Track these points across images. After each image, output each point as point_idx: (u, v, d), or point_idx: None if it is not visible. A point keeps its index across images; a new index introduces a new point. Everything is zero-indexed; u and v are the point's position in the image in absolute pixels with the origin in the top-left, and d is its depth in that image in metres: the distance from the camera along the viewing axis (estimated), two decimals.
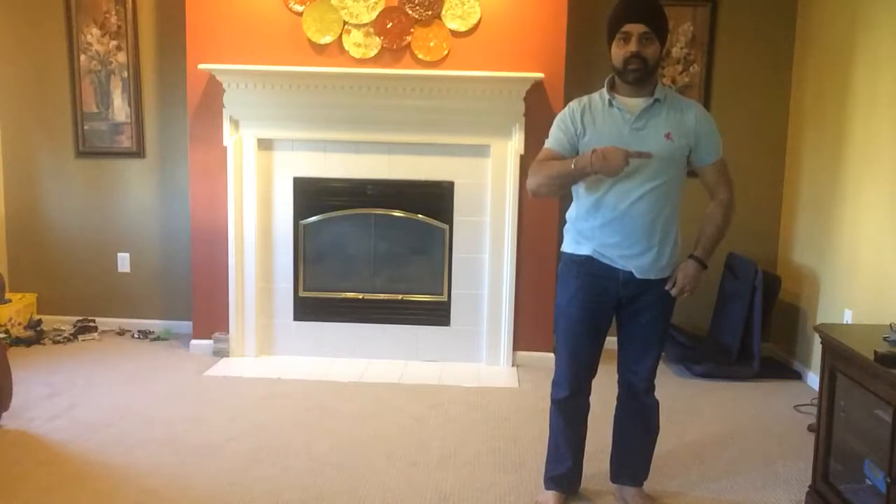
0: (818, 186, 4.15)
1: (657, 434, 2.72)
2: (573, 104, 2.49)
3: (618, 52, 2.38)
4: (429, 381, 4.05)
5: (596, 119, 2.43)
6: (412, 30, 4.12)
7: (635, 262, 2.45)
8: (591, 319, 2.53)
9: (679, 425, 3.53)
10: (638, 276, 2.46)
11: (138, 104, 4.66)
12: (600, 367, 2.67)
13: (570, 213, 2.59)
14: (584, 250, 2.50)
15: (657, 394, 2.69)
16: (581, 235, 2.52)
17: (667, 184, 2.44)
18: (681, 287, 2.48)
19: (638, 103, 2.40)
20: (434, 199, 4.32)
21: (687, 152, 2.46)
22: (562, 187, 2.47)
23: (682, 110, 2.43)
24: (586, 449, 2.75)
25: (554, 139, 2.49)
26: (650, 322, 2.54)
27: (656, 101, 2.40)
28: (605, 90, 2.45)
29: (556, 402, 2.65)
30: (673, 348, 4.37)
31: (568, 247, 2.58)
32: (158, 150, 4.71)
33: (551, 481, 2.73)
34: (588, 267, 2.49)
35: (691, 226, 2.72)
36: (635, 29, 2.33)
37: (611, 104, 2.42)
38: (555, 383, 2.64)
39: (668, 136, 2.39)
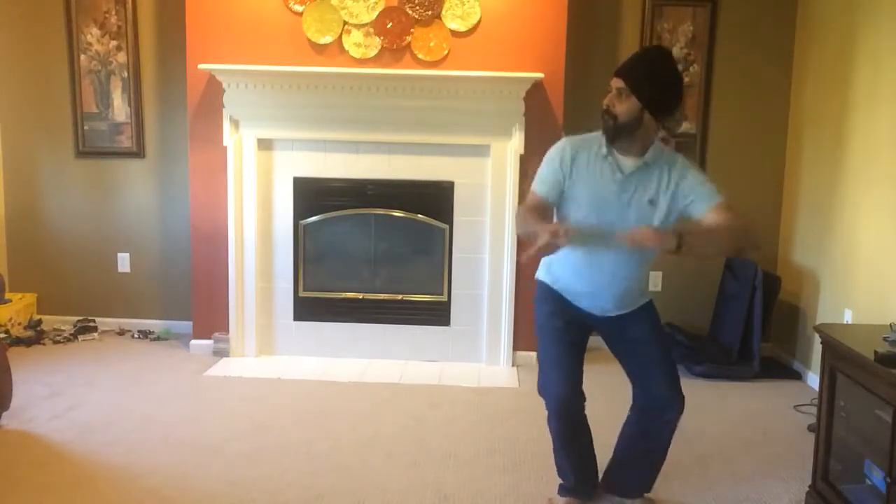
0: (818, 186, 4.15)
1: (663, 458, 2.64)
2: (567, 143, 2.41)
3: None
4: (429, 381, 4.05)
5: (589, 165, 2.36)
6: (412, 30, 4.12)
7: (602, 311, 2.48)
8: (572, 332, 2.51)
9: (679, 425, 3.52)
10: (605, 315, 2.49)
11: (138, 104, 4.66)
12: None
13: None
14: (556, 286, 2.52)
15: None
16: (552, 273, 2.53)
17: (646, 249, 2.33)
18: (631, 235, 2.21)
19: (629, 163, 2.34)
20: (434, 199, 4.32)
21: (671, 215, 2.35)
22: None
23: (669, 170, 2.33)
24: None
25: (540, 181, 2.41)
26: (641, 338, 2.50)
27: (645, 163, 2.33)
28: (604, 138, 2.37)
29: (552, 415, 2.53)
30: (673, 348, 4.37)
31: (541, 274, 2.57)
32: (158, 150, 4.71)
33: (563, 489, 2.71)
34: (562, 297, 2.51)
35: None
36: (614, 83, 2.30)
37: (607, 156, 2.35)
38: (547, 395, 2.50)
39: (651, 202, 2.33)
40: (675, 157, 2.39)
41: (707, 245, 2.30)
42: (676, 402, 2.48)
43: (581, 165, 2.37)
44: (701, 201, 2.30)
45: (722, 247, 2.36)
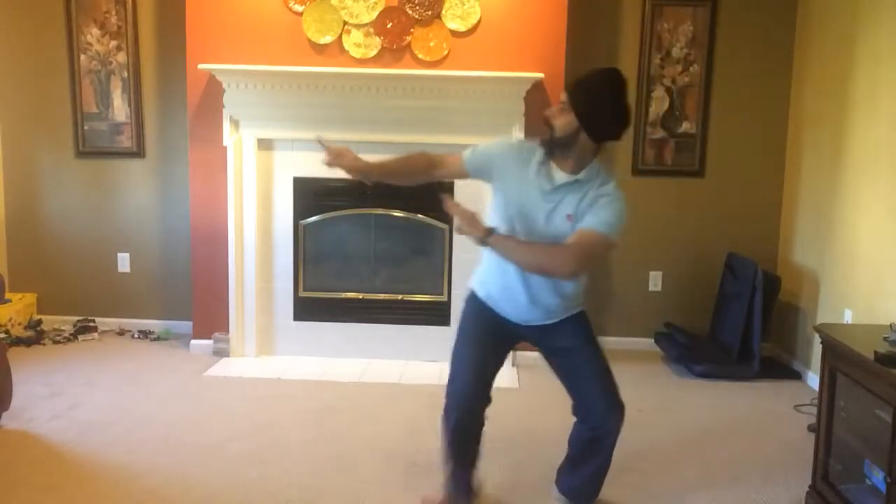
0: (818, 186, 4.15)
1: (606, 466, 2.59)
2: (517, 141, 2.42)
3: None
4: (429, 381, 4.04)
5: (527, 168, 2.34)
6: (412, 30, 4.12)
7: (528, 321, 2.45)
8: (492, 335, 2.48)
9: (679, 425, 3.53)
10: (529, 324, 2.46)
11: (138, 104, 4.66)
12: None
13: (483, 256, 2.51)
14: (486, 300, 2.49)
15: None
16: (483, 286, 2.51)
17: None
18: (454, 207, 2.29)
19: (561, 177, 2.32)
20: (434, 199, 4.29)
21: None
22: (410, 182, 2.56)
23: (595, 192, 2.30)
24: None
25: (473, 152, 2.42)
26: (572, 348, 2.47)
27: (577, 180, 2.30)
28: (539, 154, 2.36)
29: (450, 410, 2.47)
30: (673, 348, 4.37)
31: (473, 284, 2.55)
32: (158, 150, 4.71)
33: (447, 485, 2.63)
34: (491, 310, 2.48)
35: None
36: (561, 96, 2.30)
37: (542, 164, 2.33)
38: (451, 390, 2.47)
39: (569, 217, 2.30)
40: (608, 183, 2.34)
41: (511, 254, 2.29)
42: (614, 413, 2.44)
43: (519, 165, 2.36)
44: (584, 222, 2.26)
45: (524, 263, 2.30)
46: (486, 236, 2.24)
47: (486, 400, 2.48)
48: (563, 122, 2.27)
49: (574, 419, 2.57)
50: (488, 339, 2.48)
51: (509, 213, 2.36)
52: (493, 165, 2.40)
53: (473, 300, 2.53)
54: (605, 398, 2.44)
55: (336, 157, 2.38)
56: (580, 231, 2.26)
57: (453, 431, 2.48)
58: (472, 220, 2.25)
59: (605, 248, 2.30)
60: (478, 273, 2.55)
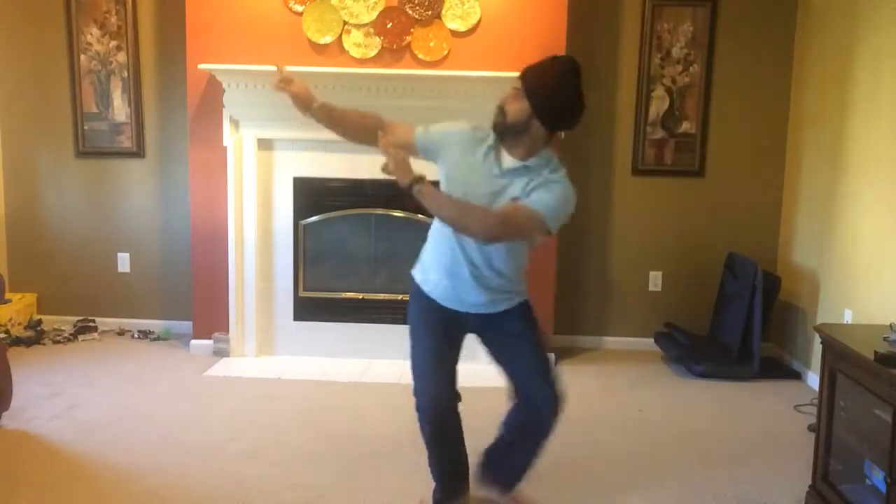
0: (818, 186, 4.15)
1: (537, 454, 2.56)
2: (469, 125, 2.38)
3: None
4: None
5: (476, 150, 2.32)
6: (412, 30, 4.12)
7: (469, 308, 2.41)
8: (445, 330, 2.46)
9: (679, 425, 3.53)
10: (473, 312, 2.42)
11: (138, 104, 4.66)
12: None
13: (428, 239, 2.51)
14: (425, 287, 2.47)
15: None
16: (422, 271, 2.50)
17: (510, 246, 2.33)
18: (388, 144, 2.29)
19: (510, 162, 2.31)
20: None
21: None
22: (355, 139, 2.50)
23: (542, 177, 2.28)
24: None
25: (426, 129, 2.40)
26: (515, 333, 2.45)
27: (526, 167, 2.29)
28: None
29: (425, 419, 2.46)
30: (673, 348, 4.37)
31: (415, 271, 2.53)
32: (158, 150, 4.71)
33: (437, 492, 2.63)
34: (436, 303, 2.45)
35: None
36: (514, 83, 2.29)
37: (493, 147, 2.32)
38: (422, 398, 2.45)
39: (515, 200, 2.27)
40: (558, 171, 2.32)
41: (436, 205, 2.24)
42: (552, 402, 2.42)
43: (467, 147, 2.34)
44: (526, 200, 2.24)
45: (447, 215, 2.26)
46: (413, 182, 2.17)
47: (457, 397, 2.46)
48: (516, 108, 2.26)
49: (509, 405, 2.54)
50: (442, 335, 2.46)
51: (452, 193, 2.32)
52: (441, 147, 2.37)
53: (418, 296, 2.50)
54: (546, 385, 2.42)
55: (286, 82, 2.34)
56: (518, 203, 2.23)
57: (432, 435, 2.47)
58: (402, 163, 2.20)
59: (535, 227, 2.25)
60: (421, 260, 2.52)
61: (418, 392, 2.44)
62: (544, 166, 2.31)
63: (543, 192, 2.25)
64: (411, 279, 2.55)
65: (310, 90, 2.40)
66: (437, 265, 2.44)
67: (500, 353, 2.51)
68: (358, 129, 2.46)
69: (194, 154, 4.29)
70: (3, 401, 3.29)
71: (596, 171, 4.61)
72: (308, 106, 2.41)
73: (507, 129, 2.29)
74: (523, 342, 2.46)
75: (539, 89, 2.24)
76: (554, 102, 2.25)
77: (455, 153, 2.35)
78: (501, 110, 2.29)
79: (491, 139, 2.33)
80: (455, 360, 2.49)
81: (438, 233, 2.43)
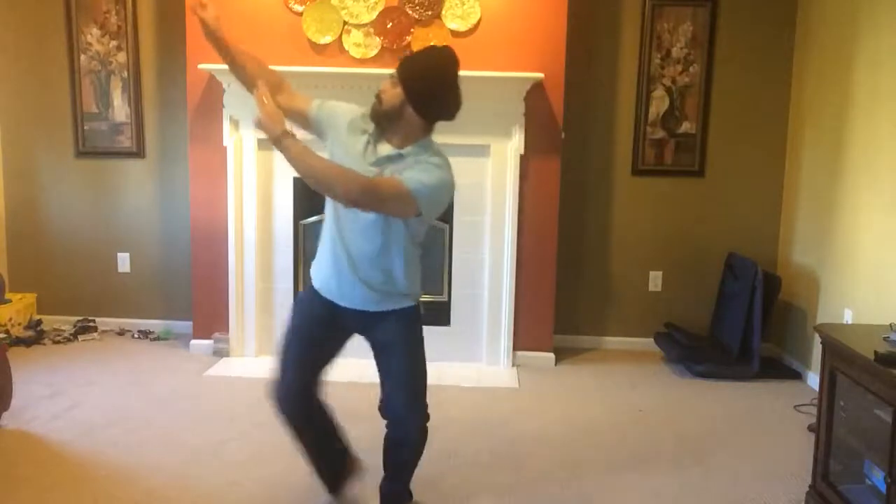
0: (818, 186, 4.15)
1: (409, 469, 2.59)
2: (362, 113, 2.37)
3: None
4: (429, 381, 4.02)
5: (356, 136, 2.32)
6: (412, 30, 4.12)
7: (351, 302, 2.37)
8: (319, 330, 2.43)
9: (679, 425, 3.53)
10: (355, 308, 2.38)
11: (138, 104, 4.66)
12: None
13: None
14: (315, 283, 2.44)
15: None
16: (316, 265, 2.46)
17: (387, 237, 2.31)
18: (263, 96, 2.17)
19: (386, 149, 2.30)
20: None
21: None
22: (244, 81, 2.39)
23: (420, 160, 2.27)
24: None
25: (326, 101, 2.40)
26: (389, 343, 2.43)
27: (401, 154, 2.28)
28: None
29: (279, 416, 2.46)
30: (673, 348, 4.37)
31: (311, 269, 2.49)
32: (158, 150, 4.71)
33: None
34: (320, 296, 2.42)
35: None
36: (392, 73, 2.29)
37: (371, 134, 2.31)
38: (273, 395, 2.44)
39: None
40: (437, 156, 2.31)
41: (303, 161, 2.16)
42: (412, 422, 2.43)
43: (351, 132, 2.33)
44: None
45: (312, 173, 2.18)
46: (283, 135, 2.12)
47: (316, 391, 2.45)
48: (390, 95, 2.26)
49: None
50: (317, 331, 2.43)
51: None
52: (331, 124, 2.36)
53: (308, 291, 2.47)
54: (407, 402, 2.42)
55: (202, 7, 2.26)
56: (392, 176, 2.21)
57: (287, 425, 2.47)
58: (274, 114, 2.13)
59: (401, 202, 2.20)
60: (315, 259, 2.49)
61: (273, 390, 2.43)
62: (422, 153, 2.29)
63: (417, 172, 2.23)
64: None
65: (218, 21, 2.31)
66: (322, 258, 2.41)
67: (377, 363, 2.48)
68: (254, 77, 2.33)
69: (194, 154, 4.29)
70: (3, 401, 3.29)
71: (596, 171, 4.61)
72: (213, 36, 2.31)
73: (382, 116, 2.28)
74: (395, 354, 2.43)
75: (411, 76, 2.25)
76: (425, 90, 2.26)
77: (342, 133, 2.34)
78: (378, 97, 2.28)
79: (372, 127, 2.33)
80: (321, 361, 2.47)
81: (325, 226, 2.41)
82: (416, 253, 2.45)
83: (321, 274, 2.42)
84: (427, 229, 2.45)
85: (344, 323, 2.43)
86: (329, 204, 2.37)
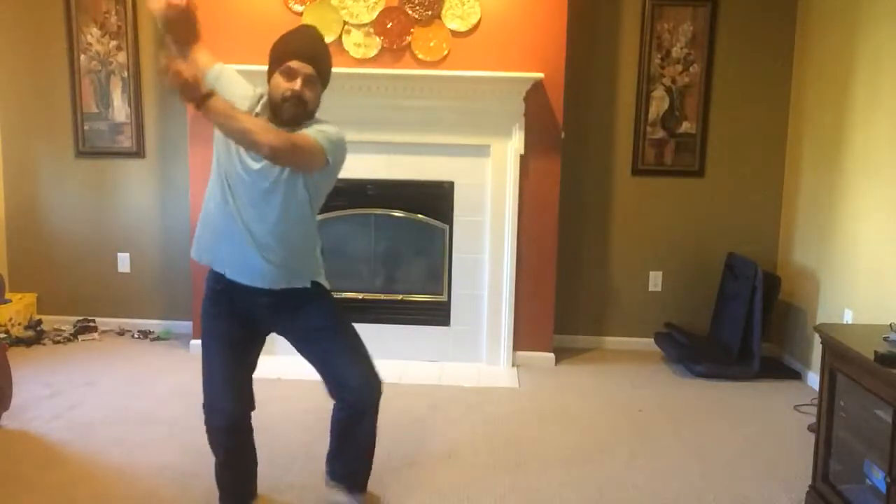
0: (818, 186, 4.15)
1: (372, 444, 2.56)
2: (259, 90, 2.36)
3: (280, 86, 2.24)
4: (429, 381, 4.05)
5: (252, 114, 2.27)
6: (412, 30, 4.12)
7: (262, 284, 2.31)
8: (238, 332, 2.39)
9: (679, 425, 3.53)
10: (261, 286, 2.30)
11: (138, 104, 4.66)
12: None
13: (199, 225, 2.44)
14: (206, 259, 2.37)
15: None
16: (199, 244, 2.40)
17: (287, 201, 2.28)
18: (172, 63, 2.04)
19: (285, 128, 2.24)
20: (434, 199, 4.32)
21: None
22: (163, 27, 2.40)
23: (316, 128, 2.27)
24: None
25: (224, 73, 2.41)
26: (323, 327, 2.40)
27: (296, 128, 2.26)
28: (256, 107, 2.31)
29: (222, 432, 2.40)
30: (673, 348, 4.37)
31: (193, 252, 2.43)
32: (158, 150, 4.71)
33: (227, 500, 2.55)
34: (227, 297, 2.35)
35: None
36: (303, 69, 2.23)
37: (266, 118, 2.27)
38: (216, 412, 2.38)
39: None
40: (323, 124, 2.32)
41: (226, 119, 2.09)
42: (368, 387, 2.40)
43: (251, 109, 2.30)
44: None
45: (234, 129, 2.11)
46: (208, 96, 2.04)
47: (250, 405, 2.40)
48: (315, 94, 2.29)
49: (332, 407, 2.50)
50: (238, 338, 2.38)
51: (227, 163, 2.30)
52: (226, 95, 2.26)
53: (207, 283, 2.43)
54: (360, 373, 2.39)
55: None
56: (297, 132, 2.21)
57: (227, 452, 2.43)
58: (195, 79, 2.04)
59: (315, 151, 2.21)
60: (197, 240, 2.44)
61: (214, 408, 2.37)
62: (314, 124, 2.31)
63: (315, 129, 2.26)
64: (203, 269, 2.45)
65: (194, 67, 2.29)
66: (218, 237, 2.35)
67: (310, 351, 2.44)
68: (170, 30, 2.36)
69: (194, 154, 4.29)
70: (3, 401, 3.29)
71: (596, 171, 4.61)
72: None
73: (307, 116, 2.29)
74: (332, 334, 2.41)
75: (327, 69, 2.32)
76: (329, 72, 2.35)
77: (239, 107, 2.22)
78: (303, 101, 2.25)
79: (255, 109, 2.30)
80: (250, 366, 2.44)
81: (212, 208, 2.36)
82: (314, 224, 2.45)
83: (213, 251, 2.36)
84: (328, 192, 2.45)
85: (258, 319, 2.38)
86: (217, 182, 2.34)
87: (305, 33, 2.36)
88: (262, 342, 2.50)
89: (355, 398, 2.42)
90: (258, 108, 2.32)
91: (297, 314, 2.40)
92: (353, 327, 2.47)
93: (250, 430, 2.45)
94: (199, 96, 2.03)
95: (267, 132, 2.12)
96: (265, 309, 2.37)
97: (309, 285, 2.40)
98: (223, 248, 2.35)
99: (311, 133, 2.24)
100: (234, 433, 2.40)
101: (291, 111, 2.26)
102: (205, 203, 2.42)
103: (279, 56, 2.28)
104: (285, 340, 4.51)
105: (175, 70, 1.99)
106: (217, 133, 2.27)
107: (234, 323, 2.38)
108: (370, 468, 2.63)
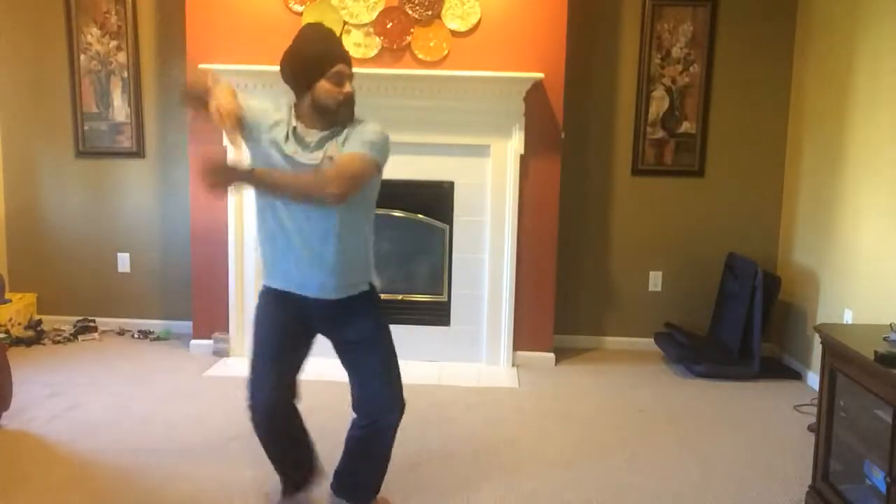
0: (818, 186, 4.15)
1: (386, 462, 2.57)
2: (271, 105, 2.38)
3: (332, 92, 2.26)
4: (429, 381, 4.05)
5: (278, 132, 2.31)
6: (412, 30, 4.12)
7: (320, 294, 2.34)
8: (288, 327, 2.42)
9: (679, 425, 3.53)
10: (318, 296, 2.34)
11: (138, 104, 4.66)
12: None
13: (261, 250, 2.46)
14: (272, 283, 2.41)
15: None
16: (265, 266, 2.43)
17: (340, 223, 2.31)
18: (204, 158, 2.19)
19: (316, 134, 2.29)
20: (434, 199, 4.32)
21: None
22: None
23: (353, 129, 2.30)
24: None
25: (249, 107, 2.36)
26: (363, 340, 2.42)
27: (333, 131, 2.30)
28: (290, 118, 2.32)
29: (258, 421, 2.45)
30: (673, 348, 4.37)
31: (263, 278, 2.46)
32: (158, 150, 4.71)
33: (285, 486, 2.65)
34: (281, 296, 2.38)
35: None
36: (346, 71, 2.29)
37: (291, 134, 2.30)
38: (255, 399, 2.43)
39: (330, 159, 2.24)
40: (362, 123, 2.34)
41: (275, 185, 2.22)
42: (394, 409, 2.43)
43: (274, 127, 2.33)
44: (344, 150, 2.25)
45: (289, 191, 2.22)
46: (250, 175, 2.17)
47: (291, 394, 2.46)
48: (351, 88, 2.31)
49: (351, 419, 2.50)
50: (287, 331, 2.43)
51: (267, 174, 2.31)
52: (256, 126, 2.35)
53: (265, 293, 2.45)
54: (387, 396, 2.42)
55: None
56: (337, 157, 2.22)
57: (263, 434, 2.47)
58: (218, 173, 2.15)
59: (365, 166, 2.22)
60: (263, 265, 2.46)
61: (254, 395, 2.43)
62: (355, 125, 2.32)
63: (357, 136, 2.26)
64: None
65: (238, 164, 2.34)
66: (273, 257, 2.38)
67: (346, 361, 2.47)
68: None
69: (194, 154, 4.29)
70: (3, 401, 3.29)
71: (596, 171, 4.61)
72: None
73: (350, 115, 2.32)
74: (368, 350, 2.43)
75: (349, 57, 2.34)
76: None
77: (265, 133, 2.32)
78: (353, 101, 2.30)
79: (290, 121, 2.32)
80: (297, 359, 2.47)
81: (267, 227, 2.38)
82: (369, 226, 2.48)
83: (278, 271, 2.39)
84: (377, 191, 2.47)
85: (310, 323, 2.43)
86: (267, 208, 2.35)
87: (330, 36, 2.37)
88: (311, 342, 2.51)
89: (376, 417, 2.45)
90: (290, 118, 2.33)
91: (346, 322, 2.42)
92: (391, 340, 2.49)
93: (292, 417, 2.48)
94: (243, 178, 2.15)
95: (322, 184, 2.15)
96: (321, 311, 2.40)
97: (367, 287, 2.45)
98: (282, 265, 2.38)
99: (355, 146, 2.23)
100: (270, 417, 2.43)
101: (347, 113, 2.31)
102: (257, 231, 2.45)
103: (321, 63, 2.27)
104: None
105: (217, 166, 2.12)
106: (256, 149, 2.35)
107: (288, 314, 2.42)
108: (380, 484, 2.61)
